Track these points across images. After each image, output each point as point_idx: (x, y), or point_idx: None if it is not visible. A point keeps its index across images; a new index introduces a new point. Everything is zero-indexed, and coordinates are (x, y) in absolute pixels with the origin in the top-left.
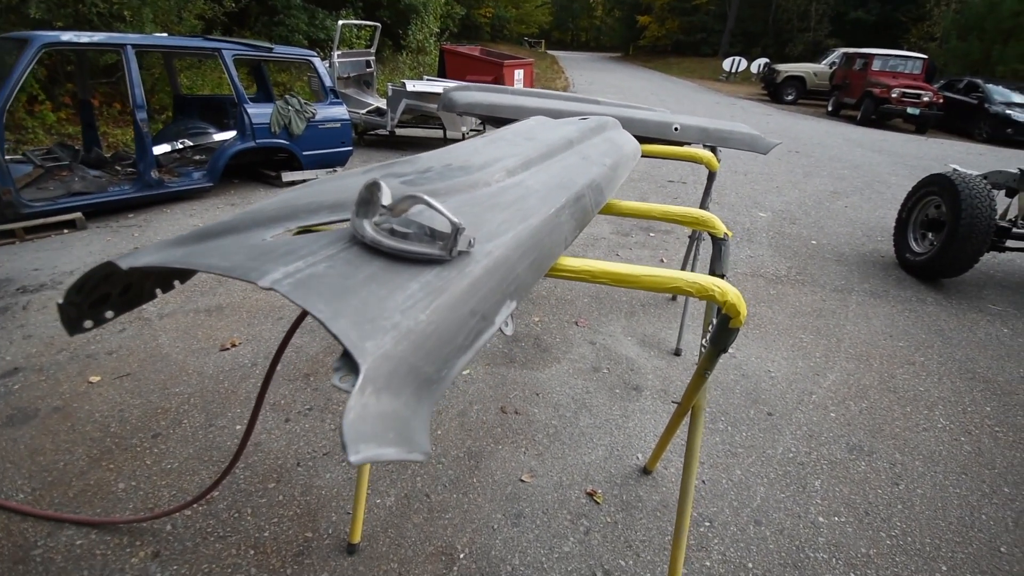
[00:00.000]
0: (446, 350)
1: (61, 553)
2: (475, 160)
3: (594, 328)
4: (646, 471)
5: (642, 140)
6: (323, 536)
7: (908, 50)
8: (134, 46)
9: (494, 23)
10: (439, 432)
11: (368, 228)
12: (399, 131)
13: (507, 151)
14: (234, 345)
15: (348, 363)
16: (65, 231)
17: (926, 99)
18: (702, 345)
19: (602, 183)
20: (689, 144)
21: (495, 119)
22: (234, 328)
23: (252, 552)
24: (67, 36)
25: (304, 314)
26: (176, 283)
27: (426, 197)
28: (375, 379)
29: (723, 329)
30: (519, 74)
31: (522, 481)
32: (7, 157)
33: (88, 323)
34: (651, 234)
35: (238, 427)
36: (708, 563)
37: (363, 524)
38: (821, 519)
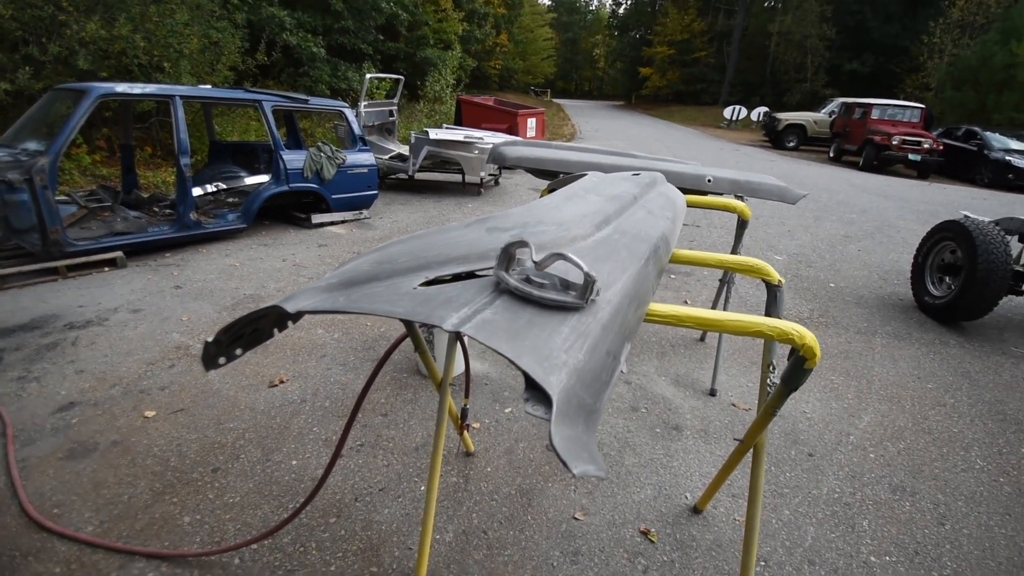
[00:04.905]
0: (596, 385)
1: None
2: (561, 216)
3: (628, 367)
4: (696, 510)
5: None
6: (388, 571)
7: (904, 99)
8: (182, 97)
9: (502, 74)
10: (489, 469)
11: (513, 280)
12: (418, 175)
13: (585, 208)
14: (282, 382)
15: (536, 394)
16: (106, 269)
17: (926, 146)
18: (768, 384)
19: (668, 235)
20: (721, 194)
21: (541, 171)
22: (280, 365)
23: None
24: (121, 87)
25: (390, 351)
26: (289, 323)
27: (570, 255)
28: (561, 408)
29: (798, 369)
30: (532, 122)
31: (575, 519)
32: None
33: (222, 359)
34: (672, 276)
35: (294, 462)
36: None
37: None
38: (873, 559)
